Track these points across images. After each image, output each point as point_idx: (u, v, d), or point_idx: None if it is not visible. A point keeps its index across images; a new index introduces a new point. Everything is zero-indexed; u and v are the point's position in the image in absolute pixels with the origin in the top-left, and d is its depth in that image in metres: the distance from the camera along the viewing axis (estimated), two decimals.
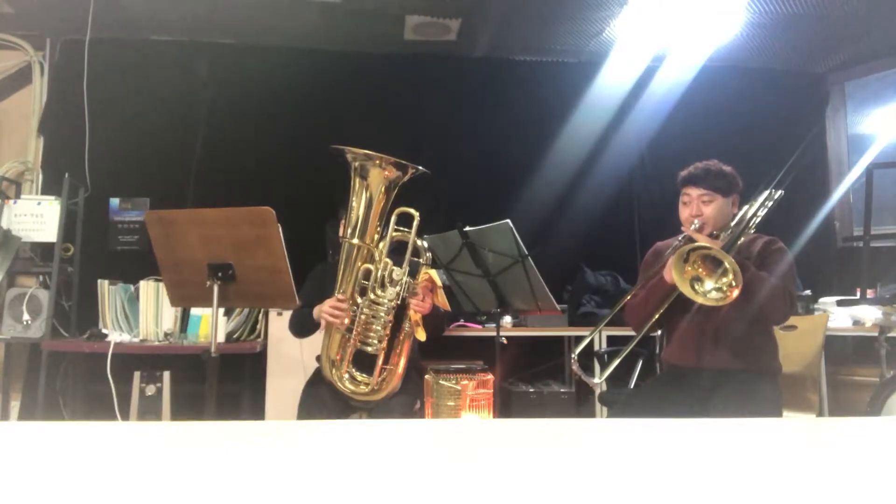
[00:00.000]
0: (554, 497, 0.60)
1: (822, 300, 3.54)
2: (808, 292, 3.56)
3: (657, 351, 3.08)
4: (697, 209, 2.21)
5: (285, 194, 3.72)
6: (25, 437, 0.84)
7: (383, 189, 2.41)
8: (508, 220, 2.31)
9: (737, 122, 4.23)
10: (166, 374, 3.22)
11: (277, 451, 0.78)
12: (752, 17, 3.66)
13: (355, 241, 2.40)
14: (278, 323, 3.32)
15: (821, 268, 4.16)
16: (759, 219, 2.19)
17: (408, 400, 2.55)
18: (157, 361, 3.27)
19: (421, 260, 2.50)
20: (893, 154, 4.07)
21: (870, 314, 3.26)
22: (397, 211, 2.42)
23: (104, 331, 3.27)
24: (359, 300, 2.41)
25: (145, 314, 3.28)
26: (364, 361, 2.46)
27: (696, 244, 1.99)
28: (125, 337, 3.24)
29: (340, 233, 2.53)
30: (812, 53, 4.19)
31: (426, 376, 2.90)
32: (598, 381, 2.39)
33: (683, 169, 2.31)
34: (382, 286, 2.40)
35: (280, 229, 2.09)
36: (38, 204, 3.48)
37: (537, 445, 0.83)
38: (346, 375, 2.45)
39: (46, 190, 3.74)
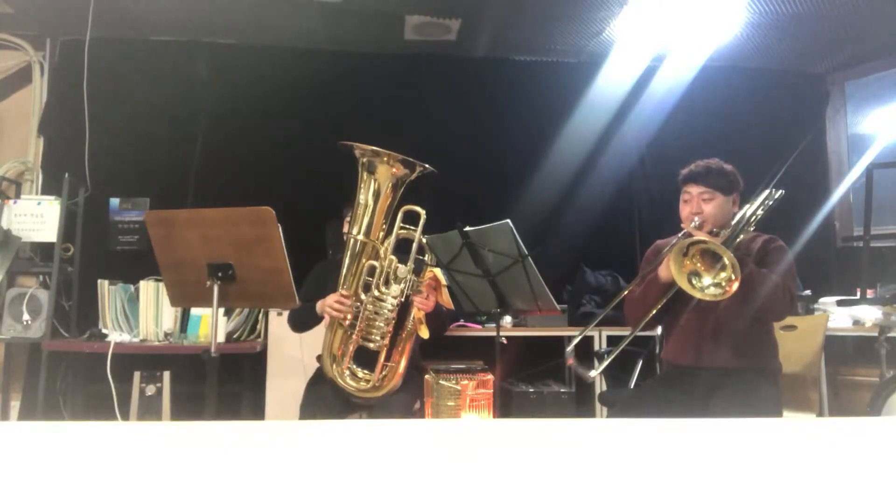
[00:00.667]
0: (554, 497, 0.60)
1: (822, 300, 3.54)
2: (808, 292, 3.56)
3: (657, 351, 3.08)
4: (698, 207, 2.21)
5: (285, 194, 3.72)
6: (25, 437, 0.84)
7: (390, 186, 2.42)
8: (508, 220, 2.31)
9: (737, 122, 4.23)
10: (166, 374, 3.22)
11: (277, 451, 0.78)
12: (752, 17, 3.66)
13: (360, 237, 2.41)
14: (278, 323, 3.32)
15: (821, 268, 4.16)
16: (758, 217, 2.19)
17: (408, 398, 2.55)
18: (157, 361, 3.27)
19: (426, 258, 2.51)
20: (893, 154, 4.07)
21: (870, 314, 3.26)
22: (404, 209, 2.43)
23: (104, 331, 3.27)
24: (363, 296, 2.41)
25: (145, 314, 3.28)
26: (365, 358, 2.47)
27: (695, 238, 1.99)
28: (125, 337, 3.24)
29: (345, 229, 2.53)
30: (812, 53, 4.19)
31: (426, 376, 2.90)
32: (594, 373, 2.40)
33: (684, 168, 2.31)
34: (387, 283, 2.41)
35: (280, 229, 2.09)
36: (38, 204, 3.48)
37: (537, 445, 0.83)
38: (347, 372, 2.46)
39: (46, 190, 3.74)
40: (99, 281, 3.37)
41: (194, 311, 3.31)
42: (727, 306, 2.11)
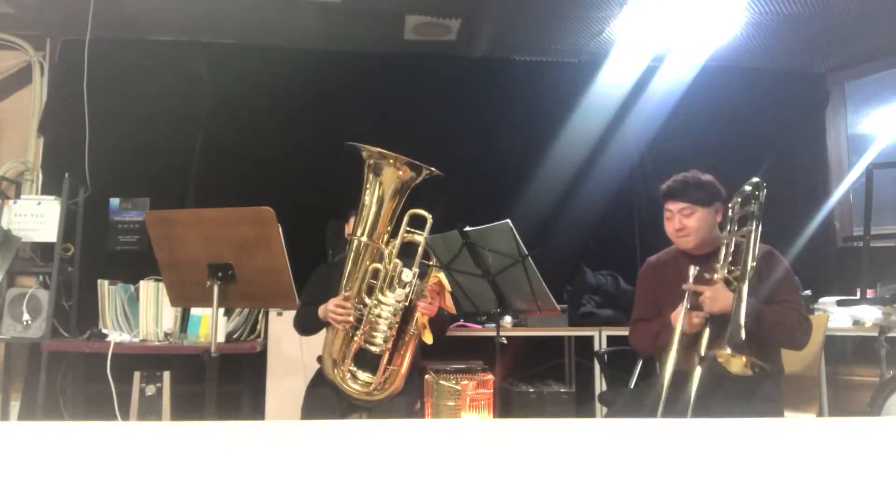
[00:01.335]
0: (554, 497, 0.60)
1: (822, 300, 3.54)
2: (808, 292, 3.56)
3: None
4: (680, 223, 2.25)
5: (285, 194, 3.72)
6: (25, 437, 0.84)
7: (395, 189, 2.42)
8: (508, 220, 2.31)
9: (737, 122, 4.24)
10: (166, 374, 3.22)
11: (277, 451, 0.78)
12: (751, 17, 3.66)
13: (364, 238, 2.41)
14: (278, 323, 3.32)
15: (821, 268, 4.16)
16: (757, 217, 2.15)
17: (408, 400, 2.55)
18: (157, 361, 3.27)
19: (431, 262, 2.51)
20: (893, 154, 4.07)
21: (870, 314, 3.25)
22: (410, 212, 2.43)
23: (104, 331, 3.27)
24: (366, 299, 2.41)
25: (145, 314, 3.28)
26: (366, 360, 2.46)
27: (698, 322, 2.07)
28: (125, 337, 3.24)
29: (349, 230, 2.53)
30: (812, 53, 4.19)
31: (426, 376, 2.90)
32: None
33: (670, 178, 2.33)
34: (391, 287, 2.40)
35: (280, 229, 2.09)
36: (38, 204, 3.48)
37: (537, 445, 0.83)
38: (348, 374, 2.46)
39: (46, 190, 3.74)
40: (99, 281, 3.37)
41: (194, 311, 3.31)
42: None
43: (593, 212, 4.10)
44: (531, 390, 3.48)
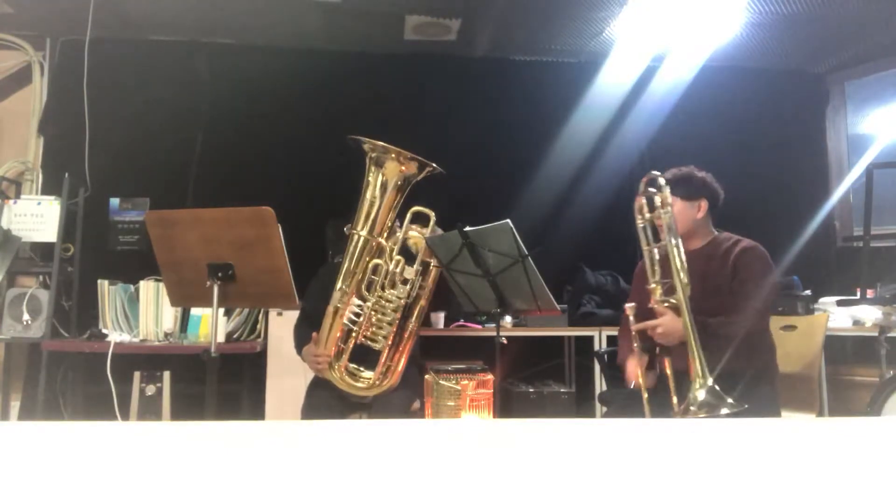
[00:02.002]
0: (554, 497, 0.60)
1: (822, 300, 3.54)
2: (808, 292, 3.56)
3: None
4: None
5: (285, 194, 3.72)
6: (25, 437, 0.84)
7: (397, 184, 2.41)
8: (508, 220, 2.31)
9: (737, 122, 4.24)
10: (166, 374, 3.22)
11: (277, 451, 0.78)
12: (751, 17, 3.66)
13: (364, 233, 2.40)
14: (278, 323, 3.32)
15: (821, 268, 4.16)
16: (665, 220, 2.09)
17: (407, 395, 2.55)
18: (157, 361, 3.27)
19: (432, 262, 2.51)
20: (893, 154, 4.07)
21: (870, 314, 3.25)
22: (413, 209, 2.42)
23: (104, 331, 3.27)
24: (367, 296, 2.41)
25: (145, 314, 3.28)
26: (362, 356, 2.47)
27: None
28: (125, 337, 3.24)
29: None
30: (812, 53, 4.19)
31: (426, 376, 2.90)
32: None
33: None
34: (393, 283, 2.40)
35: (280, 229, 2.09)
36: (38, 204, 3.48)
37: (537, 445, 0.83)
38: (346, 371, 2.46)
39: (46, 190, 3.74)
40: (99, 281, 3.37)
41: (194, 311, 3.31)
42: (718, 314, 2.12)
43: (593, 212, 4.10)
44: (531, 390, 3.48)
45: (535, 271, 2.34)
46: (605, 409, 3.20)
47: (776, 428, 0.99)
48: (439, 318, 3.57)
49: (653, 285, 2.11)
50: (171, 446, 0.80)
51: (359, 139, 2.38)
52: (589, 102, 4.17)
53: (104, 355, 3.08)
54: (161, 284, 3.13)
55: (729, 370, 2.14)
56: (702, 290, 2.17)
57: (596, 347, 3.54)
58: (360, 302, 2.41)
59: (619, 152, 4.19)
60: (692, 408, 1.88)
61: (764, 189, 4.03)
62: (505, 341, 2.55)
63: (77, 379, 3.50)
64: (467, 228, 2.39)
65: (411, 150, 2.43)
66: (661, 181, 2.12)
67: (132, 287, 3.36)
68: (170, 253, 2.20)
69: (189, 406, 3.23)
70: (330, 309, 2.39)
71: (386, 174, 2.40)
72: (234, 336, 3.34)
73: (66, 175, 3.48)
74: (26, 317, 3.29)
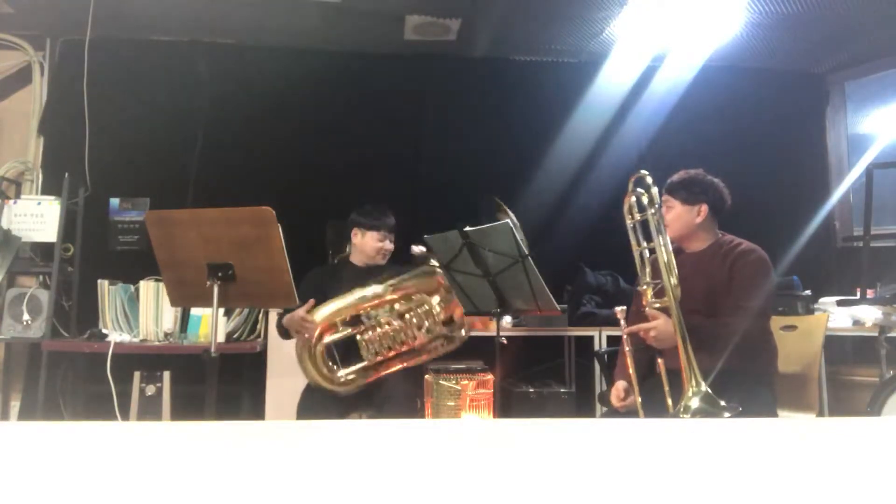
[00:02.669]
0: (554, 497, 0.60)
1: (822, 300, 3.54)
2: (808, 292, 3.56)
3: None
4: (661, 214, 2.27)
5: (285, 194, 3.72)
6: (25, 437, 0.84)
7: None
8: (508, 221, 2.31)
9: (737, 122, 4.23)
10: (166, 374, 3.22)
11: (277, 451, 0.78)
12: (752, 17, 3.66)
13: (438, 268, 2.47)
14: None
15: (821, 268, 4.16)
16: (665, 245, 2.09)
17: (410, 395, 2.57)
18: (157, 361, 3.27)
19: (457, 335, 2.58)
20: (893, 154, 4.07)
21: (870, 314, 3.25)
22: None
23: (104, 331, 3.27)
24: (395, 312, 2.46)
25: (145, 314, 3.28)
26: (341, 352, 2.52)
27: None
28: (125, 337, 3.24)
29: (416, 249, 2.60)
30: (812, 53, 4.19)
31: (426, 376, 2.90)
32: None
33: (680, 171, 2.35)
34: (420, 326, 2.50)
35: (280, 229, 2.09)
36: (38, 204, 3.48)
37: (537, 445, 0.83)
38: (323, 354, 2.49)
39: (46, 190, 3.74)
40: (99, 281, 3.37)
41: (194, 311, 3.31)
42: (715, 315, 2.12)
43: (593, 212, 4.09)
44: (531, 390, 3.48)
45: (535, 271, 2.34)
46: (605, 409, 3.20)
47: (776, 428, 1.00)
48: None
49: (644, 287, 2.10)
50: (171, 446, 0.80)
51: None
52: (589, 102, 4.16)
53: (104, 355, 3.08)
54: (161, 284, 3.13)
55: (727, 371, 2.15)
56: (702, 291, 2.17)
57: (596, 347, 3.54)
58: (386, 311, 2.44)
59: (619, 152, 4.18)
60: (686, 416, 1.87)
61: (764, 189, 4.03)
62: (505, 341, 2.55)
63: (77, 379, 3.50)
64: (467, 228, 2.39)
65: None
66: (649, 180, 2.12)
67: (132, 287, 3.36)
68: (170, 253, 2.20)
69: (189, 406, 3.23)
70: (358, 292, 2.42)
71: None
72: (234, 336, 3.34)
73: (66, 175, 3.48)
74: (26, 317, 3.29)
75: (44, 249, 3.51)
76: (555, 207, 4.06)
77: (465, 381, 2.87)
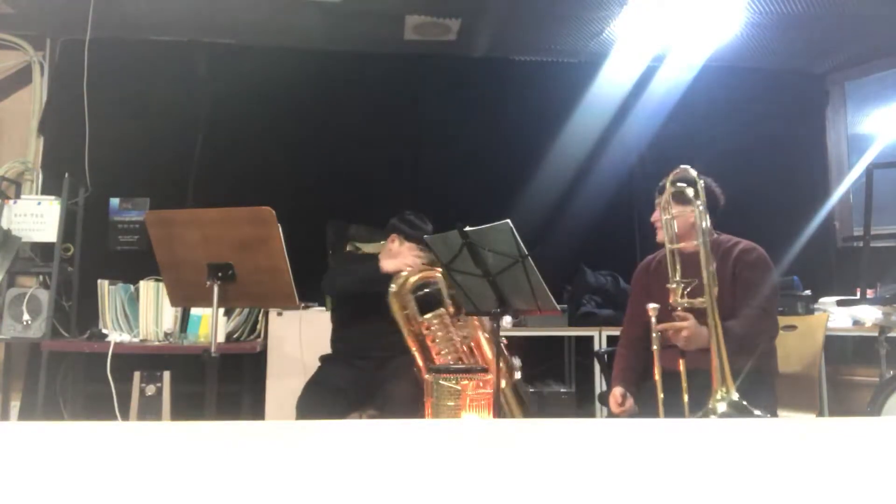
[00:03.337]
0: (554, 497, 0.60)
1: (822, 300, 3.54)
2: (808, 292, 3.56)
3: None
4: (657, 215, 2.31)
5: (285, 194, 3.72)
6: (25, 437, 0.84)
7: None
8: (508, 220, 2.31)
9: (737, 122, 4.24)
10: (166, 374, 3.22)
11: (277, 451, 0.78)
12: (751, 17, 3.66)
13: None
14: (278, 323, 3.32)
15: (821, 268, 4.16)
16: (702, 214, 2.07)
17: (412, 394, 2.57)
18: (157, 361, 3.27)
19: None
20: (893, 154, 4.07)
21: (870, 314, 3.25)
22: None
23: (104, 331, 3.27)
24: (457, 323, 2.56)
25: (145, 314, 3.28)
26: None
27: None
28: (125, 337, 3.24)
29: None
30: (812, 53, 4.19)
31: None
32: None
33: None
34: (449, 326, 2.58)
35: (280, 229, 2.09)
36: (38, 204, 3.48)
37: (537, 445, 0.83)
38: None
39: (46, 190, 3.74)
40: (99, 281, 3.37)
41: (194, 311, 3.31)
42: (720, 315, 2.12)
43: (593, 212, 4.10)
44: (531, 390, 3.48)
45: (535, 271, 2.34)
46: (605, 409, 3.20)
47: (776, 428, 1.00)
48: None
49: (673, 285, 2.03)
50: (171, 446, 0.80)
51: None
52: (589, 102, 4.17)
53: (104, 355, 3.08)
54: (161, 284, 3.13)
55: (731, 372, 2.14)
56: (702, 291, 2.16)
57: (596, 347, 3.54)
58: (450, 314, 2.49)
59: (619, 152, 4.19)
60: (712, 417, 1.83)
61: (764, 189, 4.03)
62: (505, 341, 2.55)
63: (77, 379, 3.50)
64: (467, 228, 2.39)
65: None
66: (693, 173, 2.10)
67: (132, 287, 3.36)
68: (170, 253, 2.20)
69: (189, 406, 3.23)
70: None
71: None
72: (234, 336, 3.34)
73: (66, 175, 3.48)
74: (26, 317, 3.29)
75: (44, 249, 3.51)
76: (555, 207, 4.06)
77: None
